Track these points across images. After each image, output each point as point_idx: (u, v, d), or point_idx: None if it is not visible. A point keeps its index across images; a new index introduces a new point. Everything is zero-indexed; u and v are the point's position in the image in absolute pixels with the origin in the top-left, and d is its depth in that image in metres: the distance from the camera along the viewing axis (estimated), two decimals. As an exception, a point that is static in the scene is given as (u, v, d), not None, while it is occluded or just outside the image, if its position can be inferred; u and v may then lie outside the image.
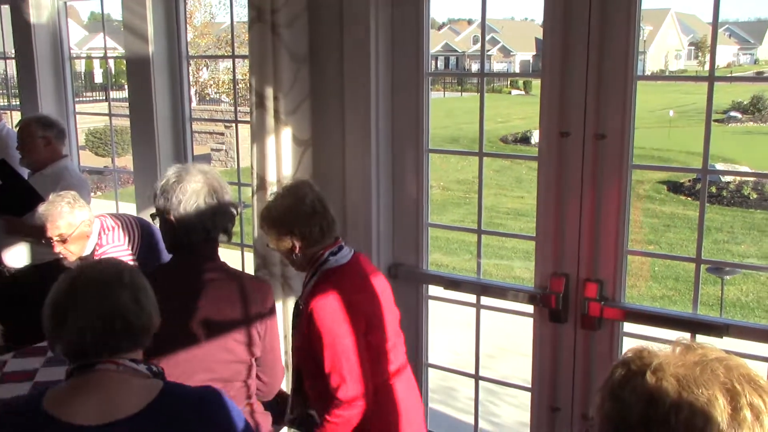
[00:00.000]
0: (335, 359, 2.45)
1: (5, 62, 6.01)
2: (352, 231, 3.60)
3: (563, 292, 3.17)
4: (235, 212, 2.58)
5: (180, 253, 2.56)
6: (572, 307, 3.17)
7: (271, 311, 2.63)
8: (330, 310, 2.47)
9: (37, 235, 3.50)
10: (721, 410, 1.08)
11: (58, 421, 1.63)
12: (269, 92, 3.49)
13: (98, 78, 29.46)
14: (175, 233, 2.49)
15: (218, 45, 26.69)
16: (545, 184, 3.20)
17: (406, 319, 3.66)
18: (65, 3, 4.91)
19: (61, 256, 3.33)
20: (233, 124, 17.38)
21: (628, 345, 3.13)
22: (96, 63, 29.02)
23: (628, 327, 3.15)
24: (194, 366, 2.42)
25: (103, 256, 3.33)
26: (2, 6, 5.26)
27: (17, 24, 4.85)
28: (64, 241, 3.26)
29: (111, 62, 19.86)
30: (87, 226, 3.31)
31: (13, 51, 5.04)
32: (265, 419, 2.74)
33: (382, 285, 2.74)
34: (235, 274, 2.60)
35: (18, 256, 4.00)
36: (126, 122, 4.65)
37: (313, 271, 2.60)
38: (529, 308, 3.35)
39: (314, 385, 2.60)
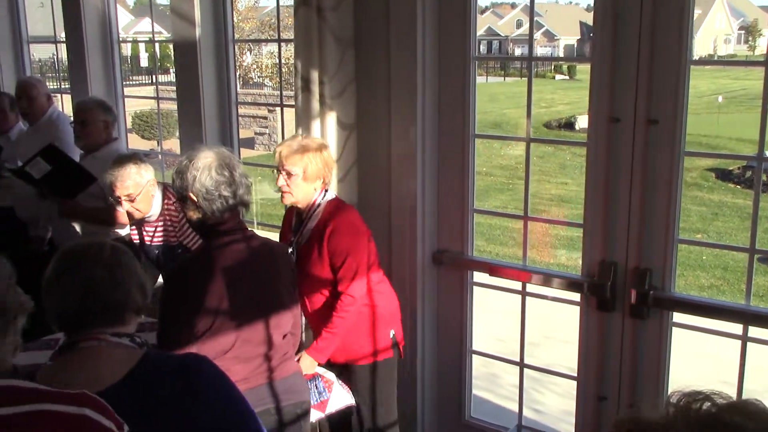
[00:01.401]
0: (353, 265, 3.03)
1: (56, 46, 6.12)
2: (396, 216, 3.59)
3: (611, 280, 3.11)
4: (250, 183, 2.70)
5: (212, 232, 2.62)
6: (620, 295, 3.12)
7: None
8: (353, 224, 3.10)
9: (98, 214, 3.92)
10: None
11: None
12: (314, 76, 3.49)
13: (144, 62, 29.82)
14: (198, 208, 2.57)
15: (261, 29, 26.81)
16: (594, 170, 3.14)
17: (450, 306, 3.67)
18: (115, -12, 4.97)
19: (127, 214, 3.50)
20: (277, 108, 17.50)
21: (677, 335, 3.07)
22: (141, 47, 29.35)
23: (678, 317, 3.08)
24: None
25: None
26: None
27: (68, 8, 4.93)
28: (132, 200, 3.37)
29: (157, 46, 20.13)
30: (152, 185, 3.43)
31: (63, 35, 5.12)
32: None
33: None
34: (263, 240, 2.76)
35: (70, 236, 4.07)
36: (171, 106, 4.70)
37: (313, 207, 3.09)
38: (576, 296, 3.30)
39: (316, 304, 3.13)
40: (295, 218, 3.22)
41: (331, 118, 3.51)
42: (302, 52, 3.50)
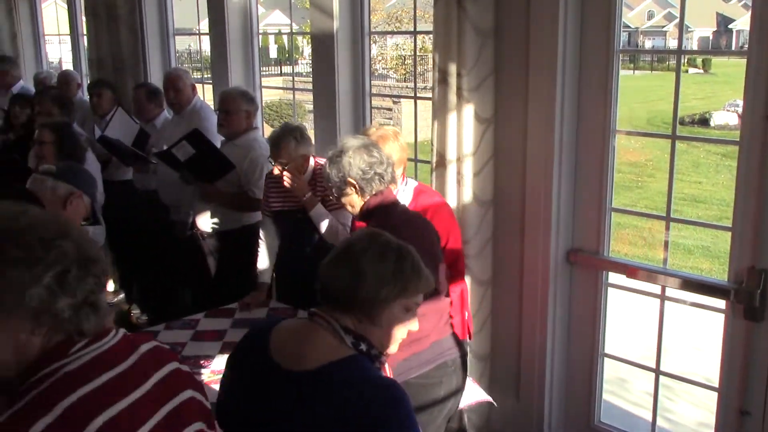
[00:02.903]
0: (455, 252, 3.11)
1: (199, 38, 6.39)
2: (530, 211, 3.52)
3: (761, 288, 2.93)
4: (393, 162, 2.84)
5: (377, 211, 2.71)
6: (771, 305, 2.93)
7: None
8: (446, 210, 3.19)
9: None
10: None
11: (279, 368, 1.78)
12: (452, 69, 3.46)
13: (273, 53, 30.72)
14: (364, 193, 2.70)
15: (388, 21, 27.03)
16: (745, 170, 2.97)
17: (583, 307, 3.57)
18: (256, -19, 5.14)
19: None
20: (402, 100, 17.59)
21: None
22: (270, 39, 30.23)
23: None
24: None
25: None
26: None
27: (212, 2, 5.12)
28: (283, 164, 3.57)
29: (285, 38, 20.63)
30: (304, 160, 3.62)
31: (196, 28, 5.31)
32: None
33: None
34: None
35: (210, 221, 4.24)
36: (300, 96, 4.81)
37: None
38: (720, 303, 3.13)
39: None
40: None
41: (468, 111, 3.47)
42: (441, 44, 3.48)
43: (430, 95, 3.66)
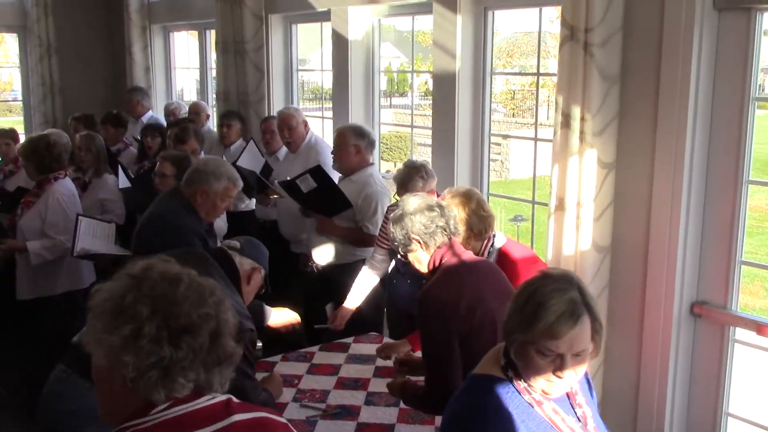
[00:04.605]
0: None
1: (321, 74, 6.59)
2: (653, 260, 3.42)
3: None
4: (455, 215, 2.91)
5: (446, 259, 2.75)
6: None
7: None
8: None
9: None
10: None
11: None
12: (576, 112, 3.42)
13: (383, 86, 31.19)
14: (428, 247, 2.74)
15: (497, 56, 27.00)
16: None
17: (707, 362, 3.41)
18: (379, 20, 5.25)
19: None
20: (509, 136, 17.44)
21: None
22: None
23: None
24: None
25: None
26: (323, 23, 5.79)
27: (337, 40, 5.28)
28: None
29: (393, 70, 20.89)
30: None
31: (308, 58, 5.41)
32: None
33: None
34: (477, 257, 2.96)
35: (326, 254, 4.33)
36: (407, 130, 4.87)
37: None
38: None
39: None
40: None
41: (591, 155, 3.42)
42: (565, 88, 3.45)
43: (540, 132, 3.61)
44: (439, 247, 2.75)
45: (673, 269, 3.35)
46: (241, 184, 3.75)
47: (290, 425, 1.60)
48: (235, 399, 1.52)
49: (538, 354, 1.81)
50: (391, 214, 2.87)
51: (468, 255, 2.82)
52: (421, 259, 2.79)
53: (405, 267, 3.78)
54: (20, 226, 4.43)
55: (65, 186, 4.52)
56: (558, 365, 1.80)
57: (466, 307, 2.61)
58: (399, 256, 2.95)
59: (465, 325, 2.60)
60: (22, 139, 5.96)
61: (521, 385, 1.86)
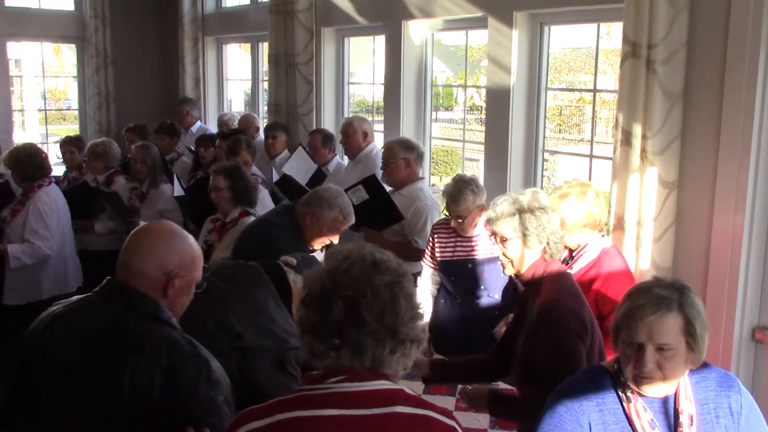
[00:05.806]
0: None
1: (372, 87, 6.60)
2: (713, 282, 3.33)
3: None
4: None
5: (550, 278, 2.54)
6: None
7: None
8: None
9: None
10: None
11: None
12: (637, 130, 3.36)
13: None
14: (545, 254, 2.53)
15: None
16: None
17: (763, 389, 3.30)
18: (432, 34, 5.24)
19: None
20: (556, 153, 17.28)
21: None
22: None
23: None
24: None
25: None
26: (376, 36, 5.79)
27: (389, 53, 5.29)
28: (459, 217, 3.63)
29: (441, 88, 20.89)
30: (479, 210, 3.64)
31: (354, 71, 5.39)
32: None
33: None
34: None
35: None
36: (453, 144, 4.81)
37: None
38: None
39: None
40: None
41: (652, 173, 3.35)
42: (626, 105, 3.39)
43: (581, 148, 3.54)
44: (552, 258, 2.50)
45: (735, 293, 3.26)
46: (352, 220, 3.67)
47: (459, 428, 1.59)
48: (408, 390, 1.59)
49: (623, 343, 1.91)
50: (528, 202, 2.51)
51: (570, 281, 2.57)
52: (521, 259, 2.50)
53: (456, 287, 3.75)
54: (7, 232, 4.55)
55: (48, 193, 4.61)
56: (639, 356, 1.87)
57: (591, 324, 2.44)
58: (493, 241, 2.61)
59: (586, 342, 2.42)
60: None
61: (622, 379, 1.96)
